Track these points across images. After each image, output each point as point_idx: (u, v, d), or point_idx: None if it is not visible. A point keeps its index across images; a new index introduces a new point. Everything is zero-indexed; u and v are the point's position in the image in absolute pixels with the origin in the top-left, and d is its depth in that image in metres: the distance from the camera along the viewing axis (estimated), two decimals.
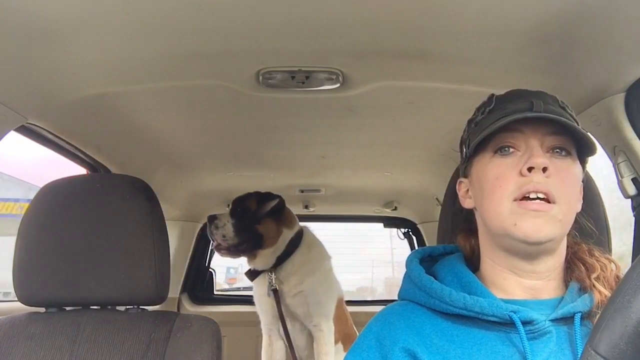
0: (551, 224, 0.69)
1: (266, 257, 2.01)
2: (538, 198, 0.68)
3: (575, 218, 0.74)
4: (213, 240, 2.07)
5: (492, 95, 0.78)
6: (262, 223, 2.00)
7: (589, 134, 0.74)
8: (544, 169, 0.69)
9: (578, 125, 0.74)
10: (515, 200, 0.69)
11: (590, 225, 0.79)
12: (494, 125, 0.71)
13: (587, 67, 1.05)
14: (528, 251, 0.71)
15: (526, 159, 0.70)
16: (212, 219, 2.05)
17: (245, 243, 2.01)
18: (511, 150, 0.73)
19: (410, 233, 2.89)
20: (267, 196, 2.05)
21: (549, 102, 0.74)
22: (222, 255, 2.10)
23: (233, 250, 2.03)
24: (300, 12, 0.93)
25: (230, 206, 2.07)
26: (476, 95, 0.80)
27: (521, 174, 0.70)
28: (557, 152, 0.72)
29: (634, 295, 0.50)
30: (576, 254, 0.77)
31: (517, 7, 0.90)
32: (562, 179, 0.70)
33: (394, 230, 2.95)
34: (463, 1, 0.89)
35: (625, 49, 0.96)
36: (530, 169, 0.69)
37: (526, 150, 0.72)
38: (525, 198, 0.69)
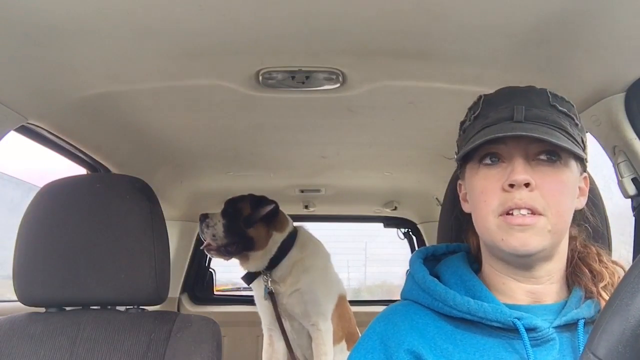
0: (539, 235, 0.67)
1: (258, 260, 2.02)
2: (521, 213, 0.67)
3: (586, 217, 0.73)
4: (203, 240, 2.08)
5: (480, 97, 0.76)
6: (254, 227, 2.01)
7: (587, 133, 0.72)
8: (526, 184, 0.67)
9: (574, 118, 0.72)
10: (500, 215, 0.68)
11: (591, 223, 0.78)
12: (472, 142, 0.70)
13: (587, 67, 1.05)
14: (520, 262, 0.71)
15: (508, 173, 0.68)
16: (204, 217, 2.05)
17: (235, 244, 2.02)
18: (497, 159, 0.71)
19: (410, 233, 2.89)
20: (262, 200, 2.05)
21: (535, 103, 0.71)
22: (211, 256, 2.10)
23: (222, 251, 2.04)
24: (301, 12, 0.93)
25: (223, 206, 2.08)
26: (476, 95, 0.79)
27: (504, 189, 0.68)
28: (544, 158, 0.69)
29: (632, 297, 0.50)
30: (584, 259, 0.75)
31: (517, 7, 0.90)
32: (549, 188, 0.68)
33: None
34: (463, 1, 0.89)
35: (625, 49, 0.96)
36: (512, 185, 0.67)
37: (510, 162, 0.69)
38: (510, 213, 0.68)
